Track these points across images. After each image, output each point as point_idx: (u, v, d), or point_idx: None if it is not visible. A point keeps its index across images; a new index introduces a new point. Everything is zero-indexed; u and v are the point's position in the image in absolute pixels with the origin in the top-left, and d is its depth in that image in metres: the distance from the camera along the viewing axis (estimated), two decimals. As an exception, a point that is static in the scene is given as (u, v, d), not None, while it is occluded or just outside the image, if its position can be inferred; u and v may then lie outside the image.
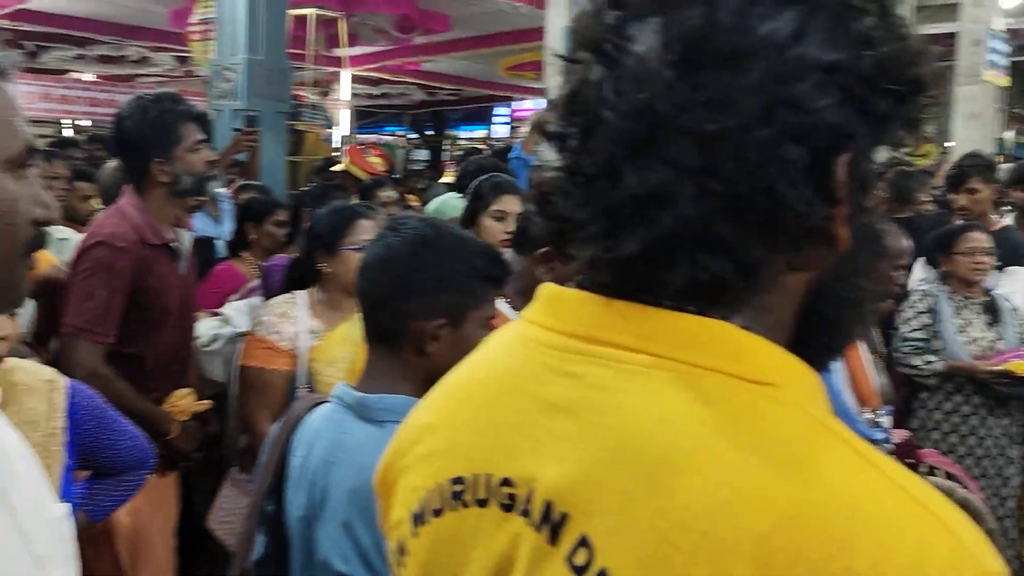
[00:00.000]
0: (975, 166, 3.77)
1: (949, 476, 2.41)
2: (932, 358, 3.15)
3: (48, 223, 0.80)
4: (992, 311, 3.20)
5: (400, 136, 17.78)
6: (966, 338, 3.16)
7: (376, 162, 5.55)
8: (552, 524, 0.54)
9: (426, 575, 0.65)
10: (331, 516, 1.22)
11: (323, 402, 1.37)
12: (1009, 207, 4.05)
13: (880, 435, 2.41)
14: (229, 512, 2.32)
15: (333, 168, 5.59)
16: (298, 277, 2.32)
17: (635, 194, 0.52)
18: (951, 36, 10.64)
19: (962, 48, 9.91)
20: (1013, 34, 12.02)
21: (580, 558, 0.52)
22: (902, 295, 3.12)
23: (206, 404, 2.39)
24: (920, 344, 3.18)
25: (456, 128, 18.63)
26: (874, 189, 0.57)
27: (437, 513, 0.63)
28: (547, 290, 0.63)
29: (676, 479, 0.50)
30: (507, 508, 0.58)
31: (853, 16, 0.52)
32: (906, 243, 2.53)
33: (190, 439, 2.29)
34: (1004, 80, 10.25)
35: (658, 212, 0.52)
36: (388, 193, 3.89)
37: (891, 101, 0.52)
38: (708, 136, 0.50)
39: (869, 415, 2.43)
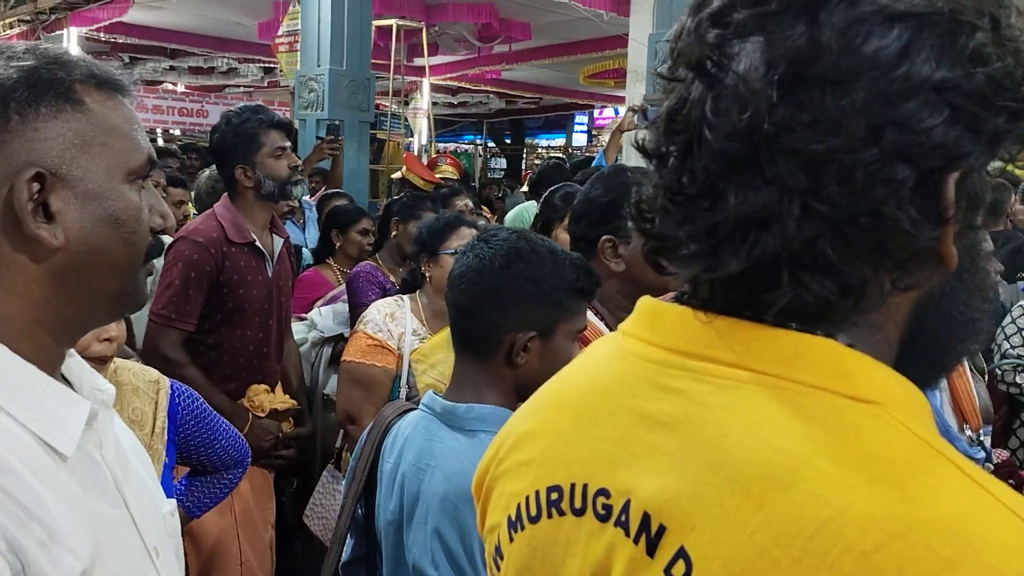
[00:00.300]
0: None
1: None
2: (1034, 376, 3.02)
3: (165, 231, 0.84)
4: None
5: (478, 145, 17.92)
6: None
7: (448, 170, 5.61)
8: (649, 536, 0.54)
9: None
10: (421, 522, 1.24)
11: (411, 408, 1.39)
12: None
13: (981, 455, 2.32)
14: (325, 508, 2.39)
15: (392, 176, 5.65)
16: (412, 282, 2.42)
17: (738, 214, 0.52)
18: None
19: None
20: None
21: (678, 570, 0.52)
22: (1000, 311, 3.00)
23: (288, 403, 2.46)
24: (1022, 362, 3.05)
25: (535, 136, 18.68)
26: (984, 207, 0.56)
27: (534, 520, 0.64)
28: (646, 304, 0.63)
29: (777, 495, 0.49)
30: (603, 519, 0.58)
31: (964, 32, 0.50)
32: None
33: (265, 436, 2.36)
34: None
35: (761, 233, 0.52)
36: (464, 202, 3.94)
37: (1004, 118, 0.51)
38: (813, 156, 0.50)
39: (971, 434, 2.34)
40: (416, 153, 8.57)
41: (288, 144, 2.45)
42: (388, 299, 2.42)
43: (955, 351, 0.61)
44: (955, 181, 0.51)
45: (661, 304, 0.61)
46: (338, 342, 2.89)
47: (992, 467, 2.32)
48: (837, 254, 0.51)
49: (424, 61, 8.40)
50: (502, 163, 17.12)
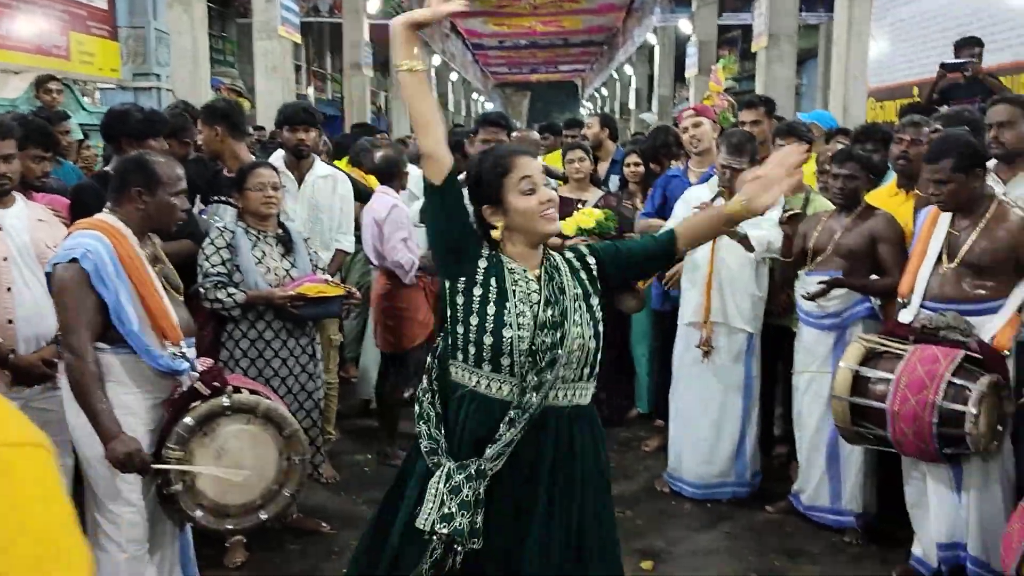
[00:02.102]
0: (204, 110, 4.06)
1: (254, 393, 2.62)
2: (234, 290, 3.30)
3: None
4: (285, 243, 3.47)
5: None
6: (263, 268, 3.38)
7: None
8: None
9: None
10: None
11: None
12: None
13: (184, 365, 2.49)
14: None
15: None
16: None
17: None
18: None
19: (257, 3, 10.54)
20: (301, -6, 12.95)
21: None
22: (187, 226, 3.12)
23: None
24: (222, 279, 3.33)
25: None
26: None
27: None
28: None
29: None
30: None
31: None
32: (180, 171, 2.57)
33: None
34: (297, 37, 11.26)
35: None
36: None
37: None
38: None
39: (172, 349, 2.49)
40: None
41: None
42: None
43: None
44: None
45: None
46: None
47: (198, 374, 2.52)
48: None
49: None
50: None
